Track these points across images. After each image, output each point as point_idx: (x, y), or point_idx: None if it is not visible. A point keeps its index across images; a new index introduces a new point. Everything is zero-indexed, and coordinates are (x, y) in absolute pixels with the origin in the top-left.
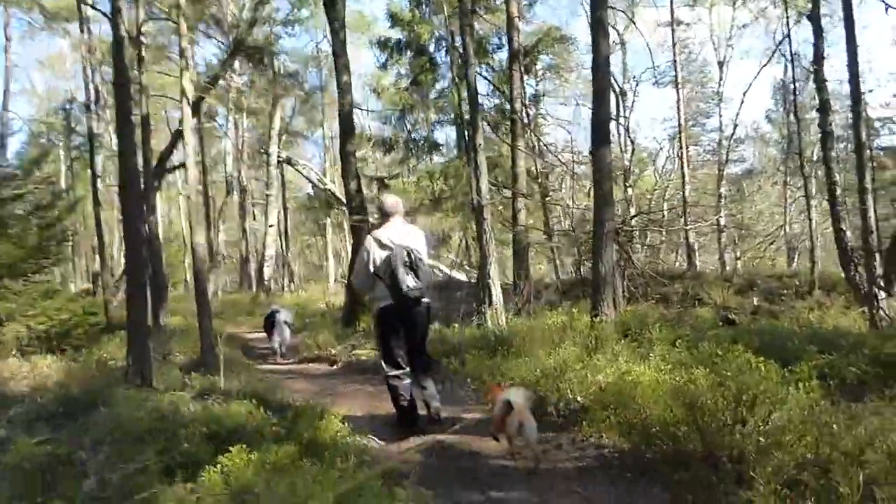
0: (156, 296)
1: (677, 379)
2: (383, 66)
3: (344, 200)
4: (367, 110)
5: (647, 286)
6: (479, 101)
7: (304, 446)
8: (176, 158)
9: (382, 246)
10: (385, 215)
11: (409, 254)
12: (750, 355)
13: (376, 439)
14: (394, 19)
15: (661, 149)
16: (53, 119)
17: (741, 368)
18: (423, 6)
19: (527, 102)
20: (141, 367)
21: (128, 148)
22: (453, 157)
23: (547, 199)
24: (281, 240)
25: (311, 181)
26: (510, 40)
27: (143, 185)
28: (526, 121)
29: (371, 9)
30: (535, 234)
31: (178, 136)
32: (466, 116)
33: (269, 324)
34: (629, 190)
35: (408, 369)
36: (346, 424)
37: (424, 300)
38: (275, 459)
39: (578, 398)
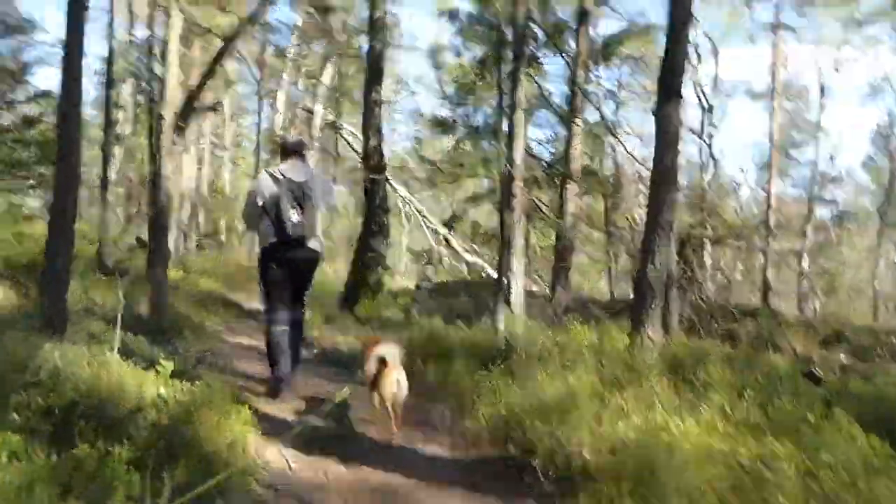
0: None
1: (742, 450)
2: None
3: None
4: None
5: (713, 318)
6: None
7: None
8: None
9: (275, 181)
10: (286, 153)
11: (299, 187)
12: (856, 430)
13: None
14: None
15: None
16: None
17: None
18: None
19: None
20: (52, 311)
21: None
22: None
23: (609, 196)
24: None
25: (356, 151)
26: None
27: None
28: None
29: None
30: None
31: (209, 73)
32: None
33: None
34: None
35: (288, 316)
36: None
37: (312, 244)
38: None
39: (583, 454)
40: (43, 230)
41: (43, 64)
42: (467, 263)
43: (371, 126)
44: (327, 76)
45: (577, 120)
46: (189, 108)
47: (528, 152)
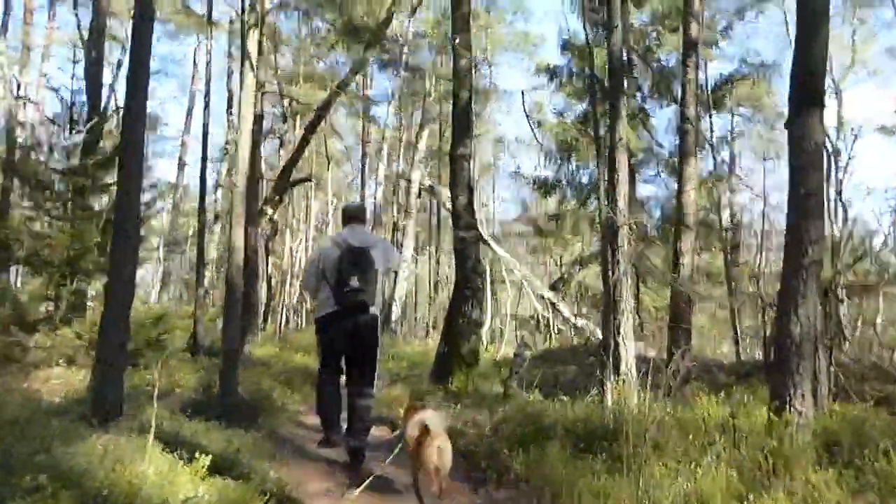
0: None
1: None
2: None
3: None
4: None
5: (863, 378)
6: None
7: None
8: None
9: (335, 245)
10: (347, 219)
11: (360, 254)
12: None
13: None
14: (565, 47)
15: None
16: None
17: None
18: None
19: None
20: (102, 395)
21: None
22: None
23: (729, 249)
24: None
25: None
26: (686, 27)
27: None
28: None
29: (539, 30)
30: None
31: (304, 143)
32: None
33: None
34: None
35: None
36: None
37: (372, 310)
38: None
39: None
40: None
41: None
42: (575, 328)
43: (460, 182)
44: (423, 142)
45: (689, 167)
46: (284, 181)
47: (637, 205)
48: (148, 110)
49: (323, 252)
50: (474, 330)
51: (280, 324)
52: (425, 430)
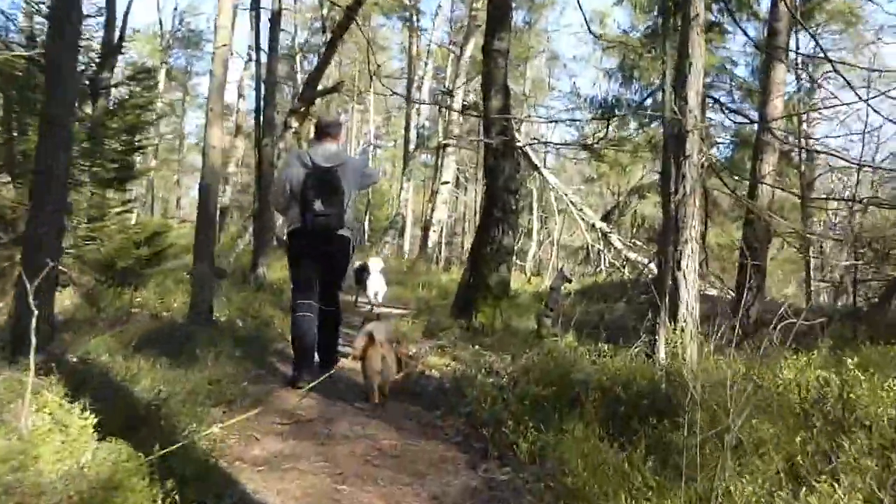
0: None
1: None
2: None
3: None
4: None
5: None
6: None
7: None
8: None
9: (304, 164)
10: (319, 133)
11: (325, 175)
12: None
13: None
14: None
15: None
16: None
17: None
18: None
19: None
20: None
21: None
22: None
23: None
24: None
25: None
26: None
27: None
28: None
29: None
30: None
31: (332, 48)
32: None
33: (361, 274)
34: None
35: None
36: None
37: (341, 232)
38: None
39: None
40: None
41: None
42: (628, 261)
43: (493, 81)
44: (467, 53)
45: (776, 74)
46: (311, 91)
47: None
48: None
49: (288, 170)
50: (504, 258)
51: None
52: (370, 340)
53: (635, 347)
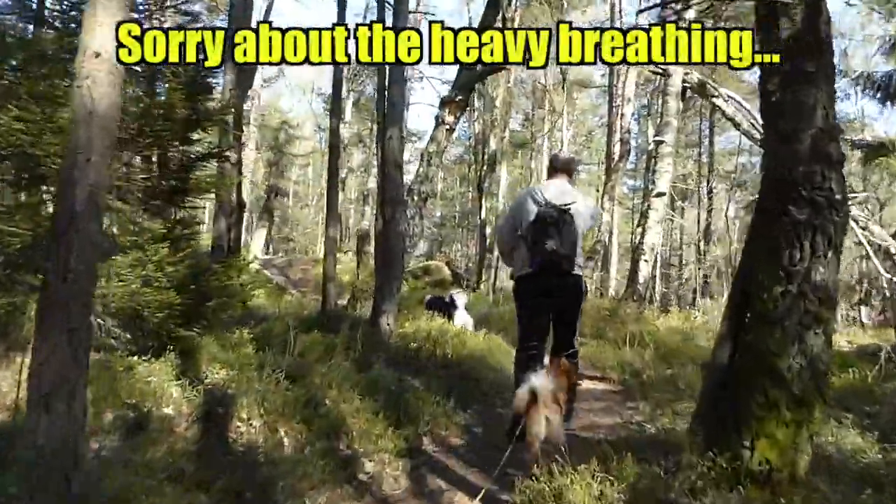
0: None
1: None
2: None
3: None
4: None
5: None
6: None
7: None
8: None
9: (534, 201)
10: (553, 171)
11: (560, 214)
12: None
13: None
14: None
15: None
16: None
17: None
18: None
19: None
20: None
21: None
22: None
23: None
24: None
25: (736, 125)
26: None
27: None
28: None
29: None
30: None
31: (493, 8)
32: None
33: (448, 308)
34: None
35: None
36: None
37: (575, 272)
38: None
39: None
40: None
41: None
42: None
43: None
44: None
45: None
46: (468, 72)
47: None
48: None
49: (518, 207)
50: (817, 312)
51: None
52: (533, 399)
53: None
